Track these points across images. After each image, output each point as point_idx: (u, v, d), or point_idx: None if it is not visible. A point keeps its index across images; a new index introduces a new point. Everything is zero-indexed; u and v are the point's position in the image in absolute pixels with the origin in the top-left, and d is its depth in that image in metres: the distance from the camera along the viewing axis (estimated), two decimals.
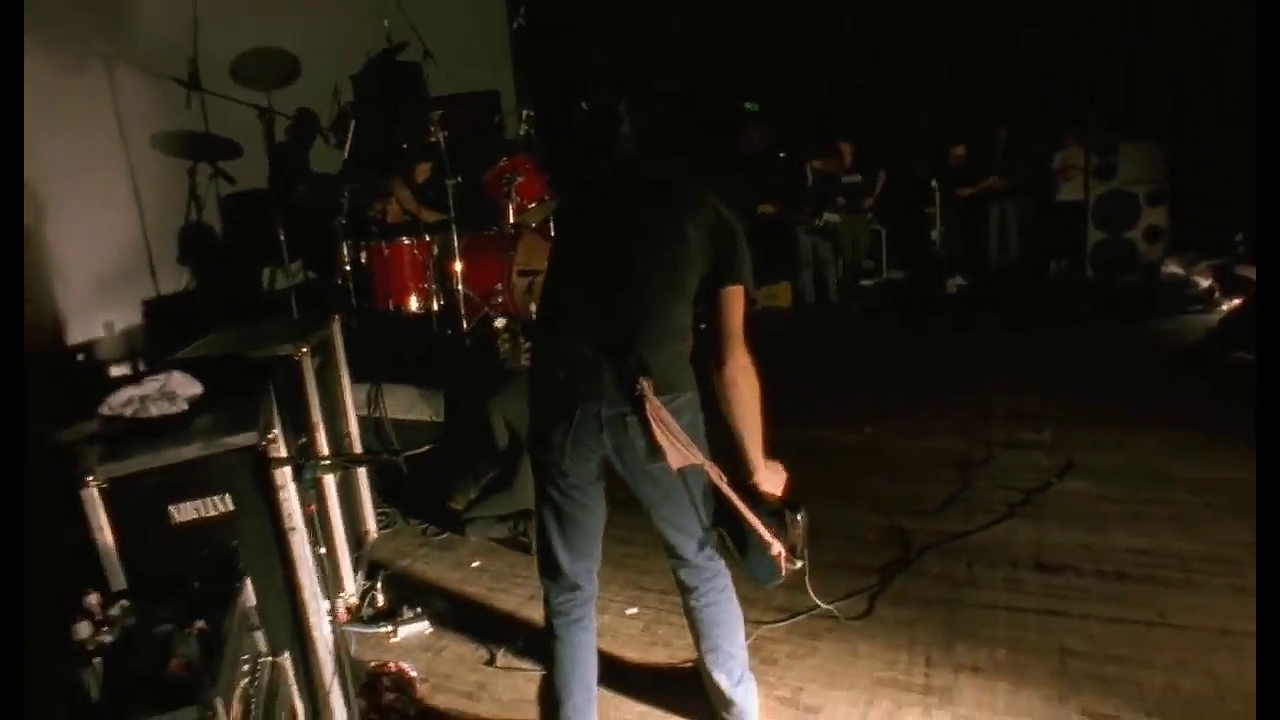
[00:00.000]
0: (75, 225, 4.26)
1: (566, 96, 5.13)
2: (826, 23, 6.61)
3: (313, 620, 1.82)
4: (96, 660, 1.24)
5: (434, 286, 4.04)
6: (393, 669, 2.16)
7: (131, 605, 1.41)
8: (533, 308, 3.70)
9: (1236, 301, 5.00)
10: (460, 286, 3.94)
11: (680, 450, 1.49)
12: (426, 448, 2.20)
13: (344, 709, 1.89)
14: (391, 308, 4.04)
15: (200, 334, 2.62)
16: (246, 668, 1.52)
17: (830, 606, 2.24)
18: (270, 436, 1.68)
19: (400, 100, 5.09)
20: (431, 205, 4.40)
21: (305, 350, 2.27)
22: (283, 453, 1.75)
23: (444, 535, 2.97)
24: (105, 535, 1.57)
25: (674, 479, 1.57)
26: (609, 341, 1.53)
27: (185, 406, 1.78)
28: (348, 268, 4.15)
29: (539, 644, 2.19)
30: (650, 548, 2.56)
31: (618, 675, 2.06)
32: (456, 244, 3.94)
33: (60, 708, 1.20)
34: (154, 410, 1.75)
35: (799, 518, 1.62)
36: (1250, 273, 5.35)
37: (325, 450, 2.34)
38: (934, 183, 6.52)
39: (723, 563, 1.74)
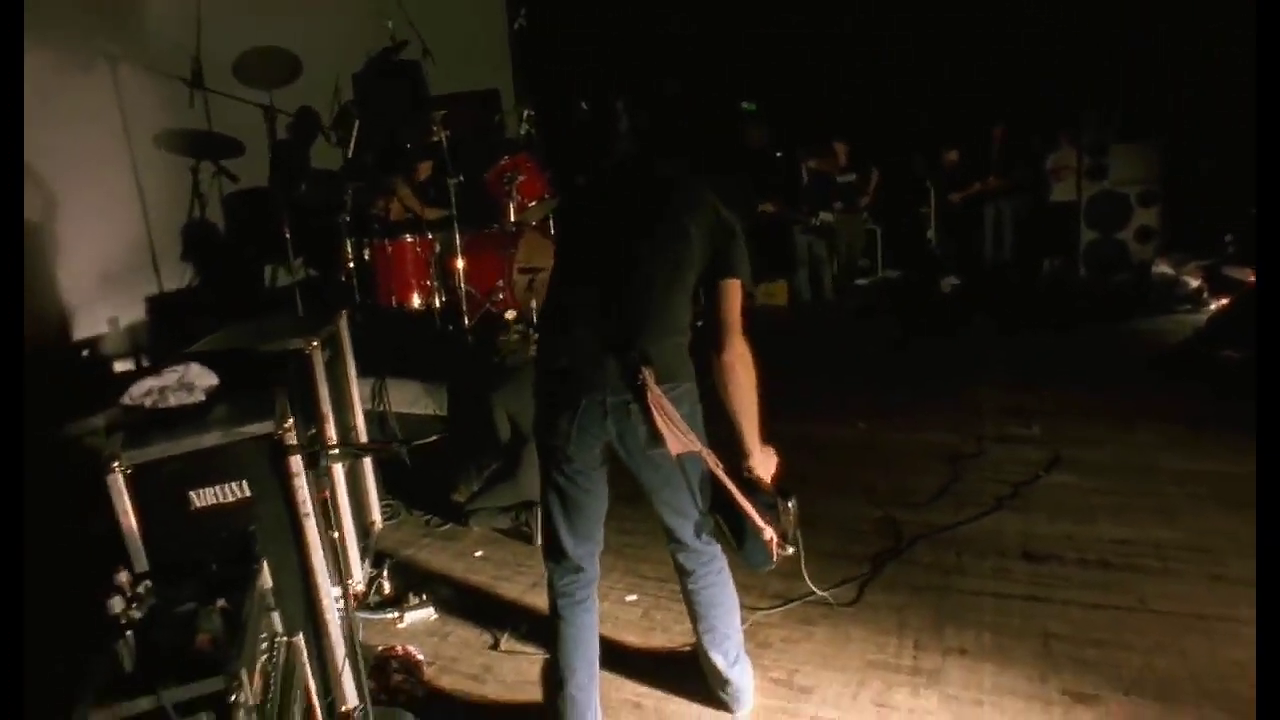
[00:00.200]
0: (81, 222, 4.32)
1: (567, 96, 5.19)
2: (825, 23, 6.68)
3: (325, 603, 1.89)
4: (129, 634, 1.31)
5: (436, 283, 4.11)
6: (400, 652, 2.23)
7: (155, 585, 1.48)
8: (533, 304, 3.77)
9: (1224, 301, 5.09)
10: (462, 283, 4.01)
11: (679, 437, 1.57)
12: (435, 437, 2.26)
13: (354, 689, 1.96)
14: (394, 304, 4.11)
15: (203, 330, 2.69)
16: (265, 646, 1.59)
17: (825, 594, 2.32)
18: (286, 426, 1.75)
19: (401, 99, 5.15)
20: (433, 203, 4.47)
21: (315, 344, 2.34)
22: (297, 441, 1.82)
23: (447, 526, 3.04)
24: (129, 519, 1.64)
25: (673, 465, 1.64)
26: (613, 334, 1.60)
27: (203, 397, 1.85)
28: (351, 265, 4.21)
29: (542, 628, 2.27)
30: (649, 538, 2.64)
31: (618, 658, 2.13)
32: (458, 242, 4.01)
33: (97, 677, 1.27)
34: (173, 400, 1.82)
35: (790, 505, 1.70)
36: (1238, 273, 5.45)
37: (334, 441, 2.41)
38: (928, 183, 6.61)
39: (719, 548, 1.81)
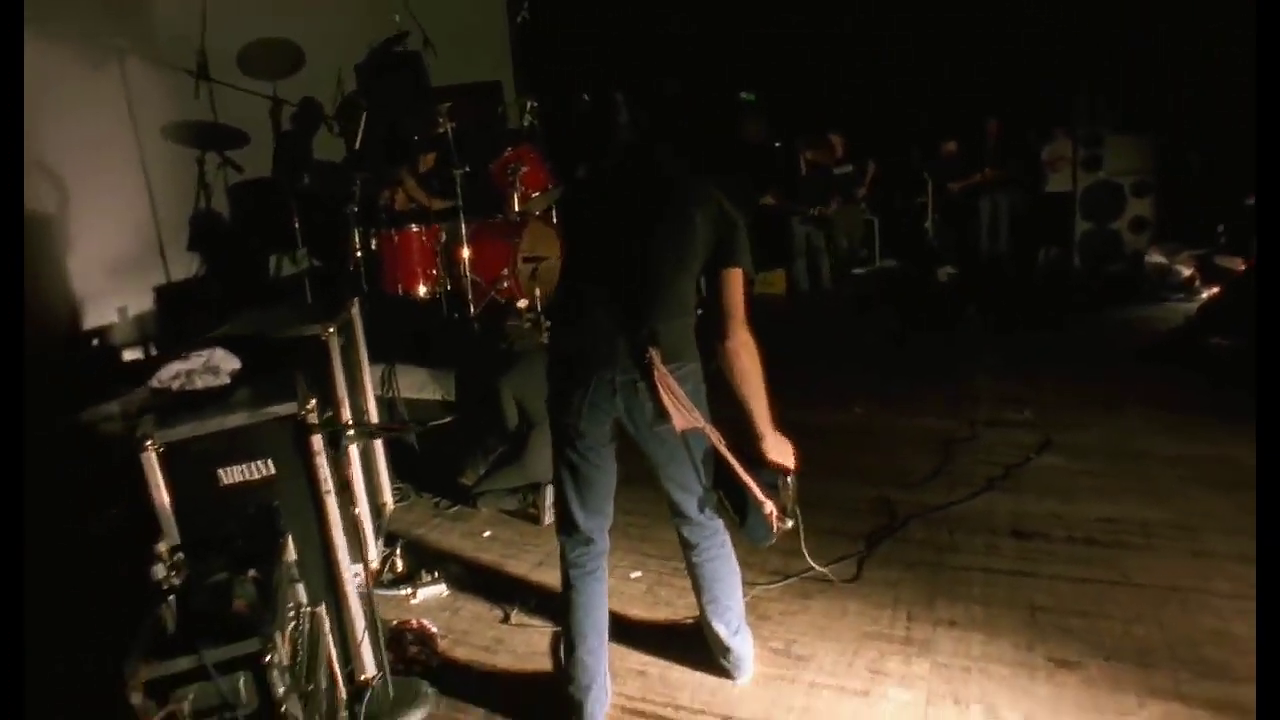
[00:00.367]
0: (90, 214, 4.39)
1: (567, 89, 5.25)
2: (823, 21, 6.74)
3: (345, 576, 1.98)
4: (170, 599, 1.40)
5: (441, 272, 4.19)
6: (415, 626, 2.32)
7: (188, 557, 1.57)
8: (537, 292, 3.85)
9: (1215, 290, 5.18)
10: (467, 272, 4.09)
11: (684, 414, 1.66)
12: (449, 419, 2.35)
13: (373, 659, 2.06)
14: (400, 293, 4.19)
15: (211, 318, 2.77)
16: (291, 614, 1.68)
17: (825, 569, 2.42)
18: (309, 406, 1.84)
19: (403, 90, 5.20)
20: (437, 194, 4.54)
21: (331, 330, 2.42)
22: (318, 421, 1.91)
23: (455, 508, 3.13)
24: (162, 495, 1.73)
25: (678, 441, 1.73)
26: (623, 319, 1.69)
27: (228, 380, 1.93)
28: (359, 254, 4.29)
29: (549, 604, 2.38)
30: (653, 518, 2.74)
31: (624, 630, 2.23)
32: (464, 231, 4.08)
33: (144, 637, 1.36)
34: (200, 383, 1.90)
35: (789, 480, 1.79)
36: (1229, 263, 5.54)
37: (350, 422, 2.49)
38: (926, 175, 6.68)
39: (722, 523, 1.90)
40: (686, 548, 1.93)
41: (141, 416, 1.85)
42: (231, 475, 1.81)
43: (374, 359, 3.30)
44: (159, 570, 1.41)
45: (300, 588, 1.78)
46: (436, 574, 2.60)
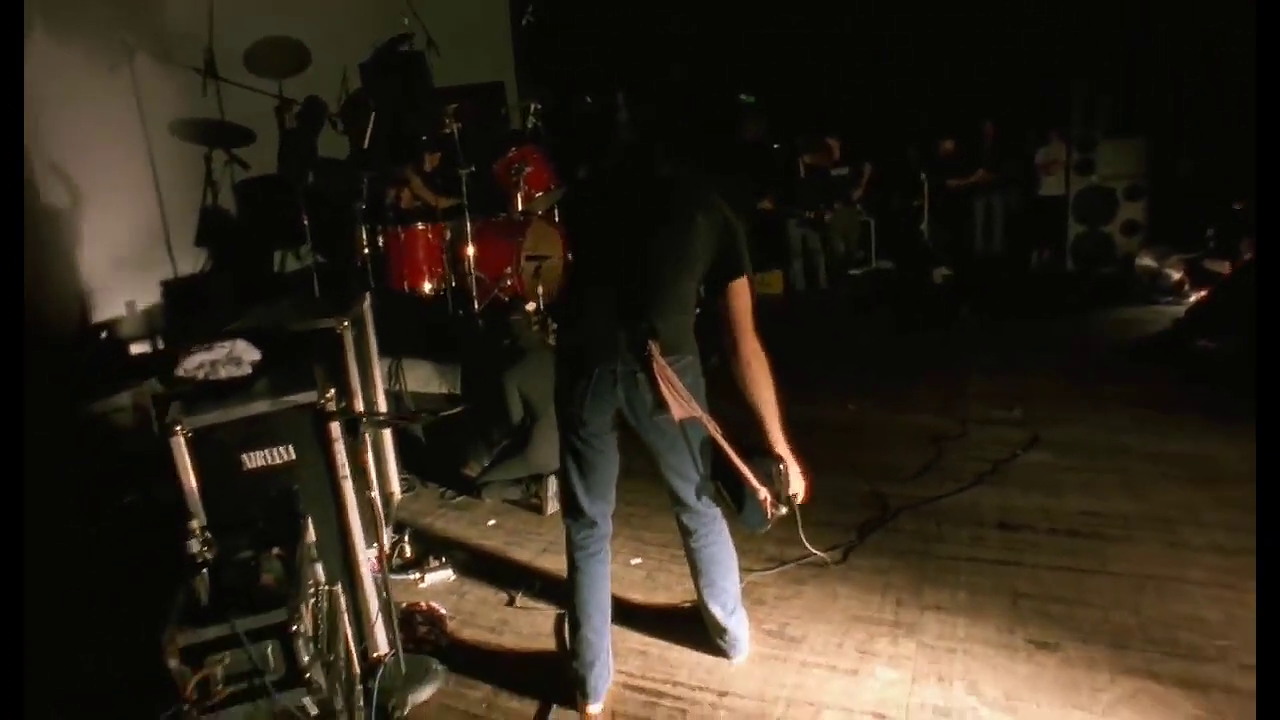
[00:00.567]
0: (100, 209, 4.48)
1: (570, 91, 5.34)
2: (823, 23, 6.83)
3: (360, 557, 2.08)
4: (204, 572, 1.49)
5: (446, 269, 4.28)
6: (424, 608, 2.42)
7: (215, 536, 1.66)
8: (540, 290, 3.94)
9: (1203, 293, 5.29)
10: (472, 270, 4.18)
11: (682, 404, 1.75)
12: (459, 409, 2.45)
13: (385, 637, 2.15)
14: (406, 289, 4.28)
15: (218, 313, 2.85)
16: (312, 591, 1.78)
17: (824, 555, 2.51)
18: (328, 395, 1.94)
19: (407, 89, 5.29)
20: (442, 193, 4.63)
21: (345, 324, 2.52)
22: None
23: (460, 498, 3.23)
24: (189, 478, 1.82)
25: (676, 430, 1.82)
26: (626, 316, 1.78)
27: (250, 370, 2.03)
28: (366, 251, 4.37)
29: (553, 588, 2.48)
30: (652, 509, 2.83)
31: (625, 613, 2.32)
32: (469, 229, 4.17)
33: (180, 606, 1.46)
34: (223, 373, 2.00)
35: (782, 469, 1.88)
36: (1218, 266, 5.65)
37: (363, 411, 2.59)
38: (923, 175, 6.78)
39: (719, 510, 2.00)
40: (685, 534, 2.02)
41: (168, 404, 1.94)
42: (254, 460, 1.91)
43: (381, 353, 3.40)
44: (193, 544, 1.50)
45: (319, 567, 1.88)
46: (444, 559, 2.70)
